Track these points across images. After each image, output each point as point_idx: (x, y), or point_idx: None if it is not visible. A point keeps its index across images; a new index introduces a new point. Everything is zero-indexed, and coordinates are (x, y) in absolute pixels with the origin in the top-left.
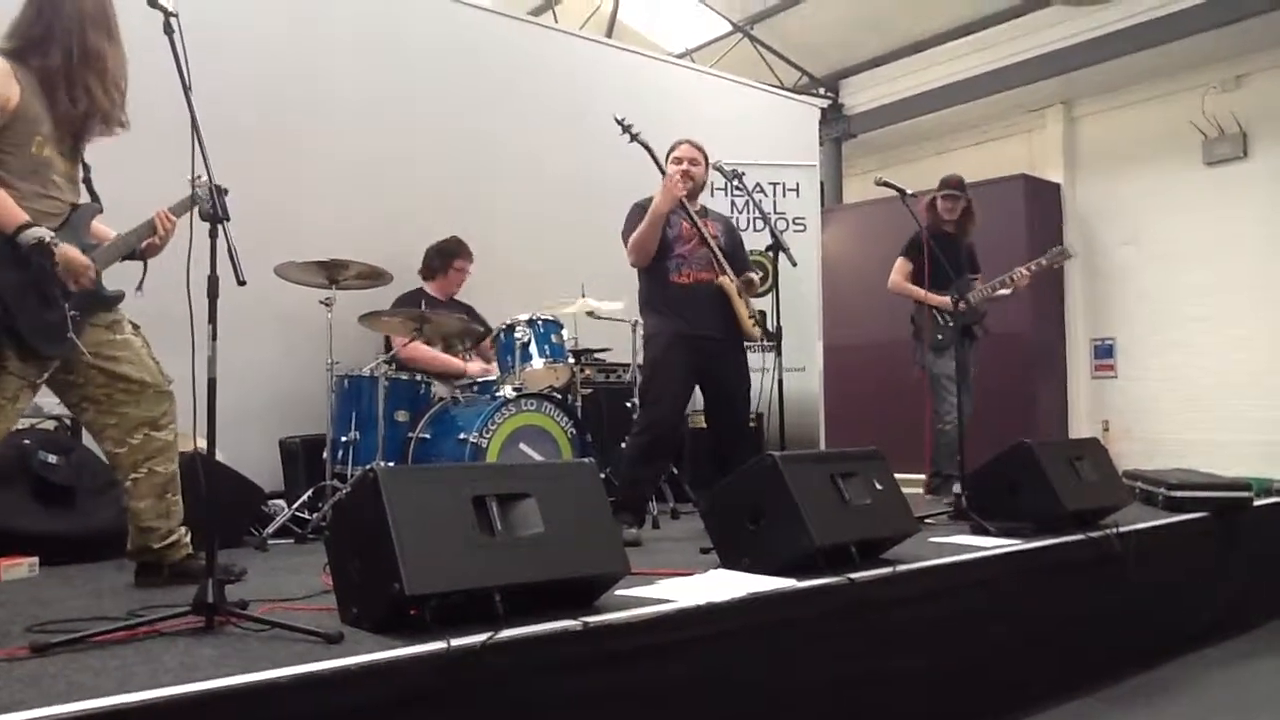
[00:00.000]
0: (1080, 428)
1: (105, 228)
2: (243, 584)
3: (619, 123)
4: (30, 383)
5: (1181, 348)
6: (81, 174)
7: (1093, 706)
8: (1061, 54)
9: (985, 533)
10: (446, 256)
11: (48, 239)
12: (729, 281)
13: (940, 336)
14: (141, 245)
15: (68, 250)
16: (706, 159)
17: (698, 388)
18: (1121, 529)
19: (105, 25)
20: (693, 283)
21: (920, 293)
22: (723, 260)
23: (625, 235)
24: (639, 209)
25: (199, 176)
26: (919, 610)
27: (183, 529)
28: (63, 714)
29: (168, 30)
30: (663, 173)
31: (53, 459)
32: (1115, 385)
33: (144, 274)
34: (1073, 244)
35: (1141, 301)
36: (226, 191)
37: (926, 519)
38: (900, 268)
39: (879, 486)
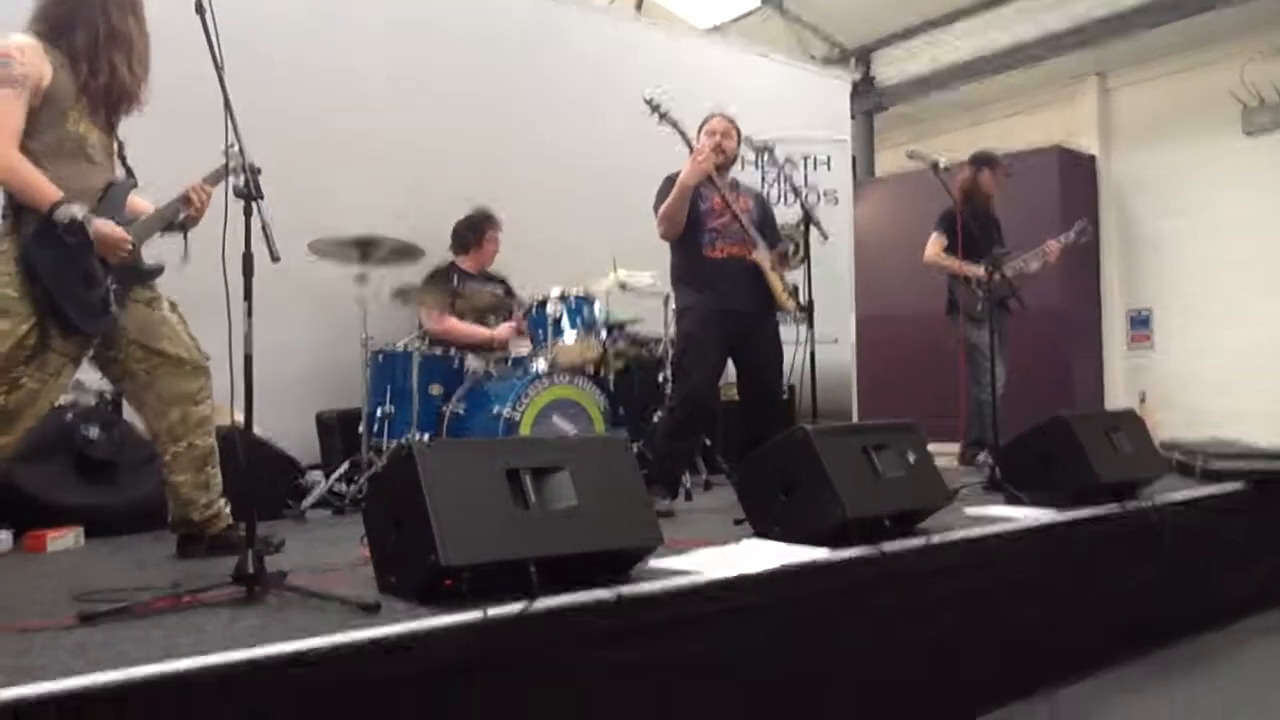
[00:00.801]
0: (1117, 399)
1: (143, 202)
2: (282, 555)
3: (648, 102)
4: (72, 358)
5: (1219, 318)
6: (117, 149)
7: (1128, 677)
8: (1095, 24)
9: (1020, 504)
10: (478, 229)
11: (80, 216)
12: (762, 257)
13: (979, 307)
14: (180, 217)
15: (101, 225)
16: (739, 133)
17: (730, 360)
18: (1158, 500)
19: (131, 6)
20: (726, 257)
21: (956, 265)
22: (755, 235)
23: (656, 207)
24: (670, 182)
25: (231, 145)
26: (953, 581)
27: (222, 501)
28: (110, 682)
29: (199, 9)
30: (692, 149)
31: (95, 433)
32: (1152, 356)
33: (186, 246)
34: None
35: (1179, 272)
36: (260, 170)
37: (960, 490)
38: (935, 241)
39: (912, 458)
